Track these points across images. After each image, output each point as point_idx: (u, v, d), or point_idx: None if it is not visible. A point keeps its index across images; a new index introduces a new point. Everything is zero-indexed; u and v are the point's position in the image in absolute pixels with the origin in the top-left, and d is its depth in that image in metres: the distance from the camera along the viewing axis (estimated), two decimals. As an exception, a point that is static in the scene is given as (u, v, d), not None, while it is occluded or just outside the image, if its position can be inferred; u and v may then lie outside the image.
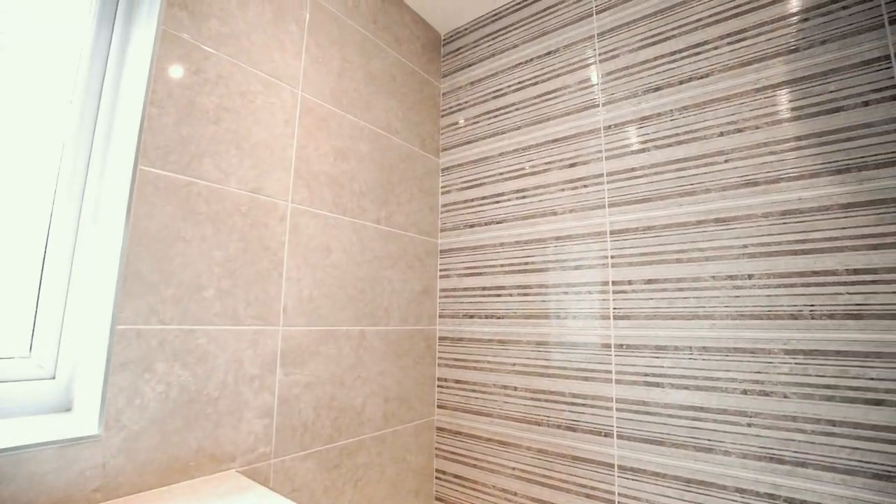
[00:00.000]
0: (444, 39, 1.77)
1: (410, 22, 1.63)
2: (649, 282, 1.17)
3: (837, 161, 0.99)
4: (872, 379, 0.91)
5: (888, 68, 0.96)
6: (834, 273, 0.97)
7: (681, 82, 1.20)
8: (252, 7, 1.12)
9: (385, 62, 1.50)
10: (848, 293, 0.95)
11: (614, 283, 1.22)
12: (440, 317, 1.56)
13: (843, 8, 1.02)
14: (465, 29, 1.70)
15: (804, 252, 1.00)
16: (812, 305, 0.98)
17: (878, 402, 0.90)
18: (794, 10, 1.08)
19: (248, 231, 1.06)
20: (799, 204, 1.02)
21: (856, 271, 0.95)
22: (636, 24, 1.30)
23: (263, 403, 1.05)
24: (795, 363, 0.99)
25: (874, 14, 0.99)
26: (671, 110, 1.20)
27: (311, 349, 1.16)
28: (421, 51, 1.67)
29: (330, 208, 1.25)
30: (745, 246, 1.07)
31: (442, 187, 1.64)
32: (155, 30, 0.93)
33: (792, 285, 1.01)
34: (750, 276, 1.05)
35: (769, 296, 1.03)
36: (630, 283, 1.20)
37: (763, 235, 1.05)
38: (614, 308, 1.21)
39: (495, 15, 1.61)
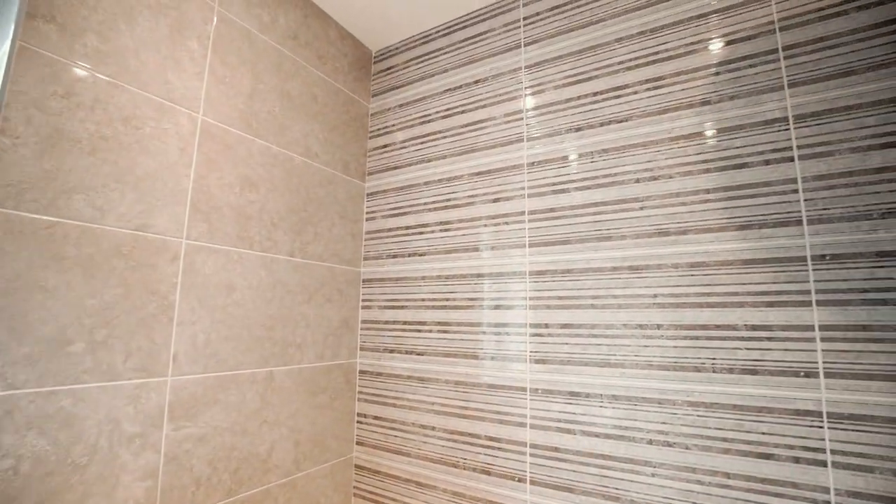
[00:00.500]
0: (375, 57, 1.69)
1: (337, 38, 1.55)
2: (565, 326, 1.16)
3: (741, 217, 1.01)
4: (764, 433, 0.94)
5: (786, 129, 0.99)
6: (734, 328, 0.99)
7: (601, 124, 1.19)
8: (142, 21, 1.01)
9: (305, 81, 1.41)
10: (746, 348, 0.97)
11: (532, 325, 1.21)
12: (361, 349, 1.49)
13: (750, 66, 1.04)
14: (397, 48, 1.63)
15: (709, 305, 1.02)
16: (714, 359, 1.00)
17: (767, 456, 0.93)
18: (707, 63, 1.09)
19: (130, 274, 0.95)
20: (705, 257, 1.03)
21: (754, 327, 0.97)
22: (562, 60, 1.28)
23: (146, 464, 0.95)
24: (697, 415, 1.00)
25: (776, 76, 1.01)
26: (592, 152, 1.19)
27: (207, 398, 1.07)
28: (348, 68, 1.59)
29: (234, 243, 1.15)
30: (655, 296, 1.07)
31: (367, 213, 1.57)
32: (9, 46, 0.81)
33: (697, 338, 1.02)
34: (659, 327, 1.06)
35: (676, 347, 1.04)
36: (547, 326, 1.19)
37: (672, 286, 1.06)
38: (531, 351, 1.20)
39: (425, 37, 1.56)
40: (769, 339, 0.96)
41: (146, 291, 0.97)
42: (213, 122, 1.13)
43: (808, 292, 0.94)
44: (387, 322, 1.45)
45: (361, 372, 1.48)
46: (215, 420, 1.08)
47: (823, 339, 0.91)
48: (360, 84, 1.64)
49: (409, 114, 1.54)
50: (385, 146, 1.58)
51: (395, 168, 1.53)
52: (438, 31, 1.53)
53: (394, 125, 1.57)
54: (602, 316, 1.12)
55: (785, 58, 1.01)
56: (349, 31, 1.60)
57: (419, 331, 1.38)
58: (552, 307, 1.19)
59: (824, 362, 0.91)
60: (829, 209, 0.94)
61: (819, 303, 0.93)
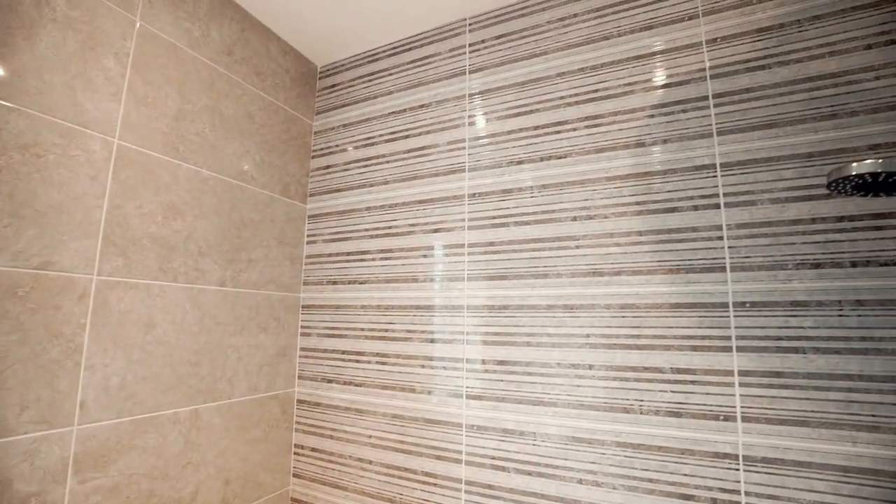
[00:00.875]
0: (320, 72, 1.63)
1: (278, 53, 1.48)
2: (501, 363, 1.16)
3: (670, 261, 1.03)
4: (685, 475, 0.96)
5: (714, 176, 1.01)
6: (661, 371, 1.01)
7: (542, 159, 1.19)
8: (46, 37, 0.92)
9: (241, 100, 1.34)
10: (671, 391, 1.00)
11: (468, 360, 1.20)
12: (300, 378, 1.44)
13: (683, 111, 1.06)
14: (343, 65, 1.58)
15: (638, 347, 1.03)
16: (641, 401, 1.02)
17: (688, 497, 0.95)
18: (643, 104, 1.11)
19: (27, 318, 0.87)
20: (636, 299, 1.05)
21: (679, 370, 0.99)
22: (505, 90, 1.27)
23: (45, 523, 0.88)
24: (625, 456, 1.01)
25: (706, 122, 1.04)
26: (532, 187, 1.19)
27: (121, 444, 1.00)
28: (290, 84, 1.52)
29: (155, 276, 1.08)
30: (588, 336, 1.08)
31: (308, 236, 1.52)
32: None
33: (626, 379, 1.03)
34: (591, 367, 1.07)
35: (606, 388, 1.05)
36: (483, 362, 1.18)
37: (604, 327, 1.07)
38: (467, 387, 1.19)
39: (373, 55, 1.51)
40: (692, 382, 0.98)
41: (48, 335, 0.90)
42: (132, 146, 1.05)
43: (728, 338, 0.96)
44: (326, 351, 1.41)
45: (299, 401, 1.43)
46: (131, 467, 1.02)
47: (741, 385, 0.94)
48: (304, 101, 1.58)
49: (353, 135, 1.49)
50: (328, 167, 1.52)
51: (338, 191, 1.48)
52: (385, 51, 1.49)
53: (337, 145, 1.52)
54: (537, 354, 1.12)
55: (714, 105, 1.04)
56: (292, 45, 1.53)
57: (358, 361, 1.35)
58: (489, 343, 1.18)
59: (742, 407, 0.94)
60: (750, 257, 0.97)
61: (739, 349, 0.95)
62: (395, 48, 1.47)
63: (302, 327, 1.47)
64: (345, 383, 1.36)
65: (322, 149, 1.55)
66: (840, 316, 0.90)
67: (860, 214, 0.90)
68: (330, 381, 1.39)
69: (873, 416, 0.85)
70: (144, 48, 1.09)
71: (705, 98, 1.05)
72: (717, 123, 1.03)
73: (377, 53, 1.50)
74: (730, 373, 0.95)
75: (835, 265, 0.91)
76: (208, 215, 1.22)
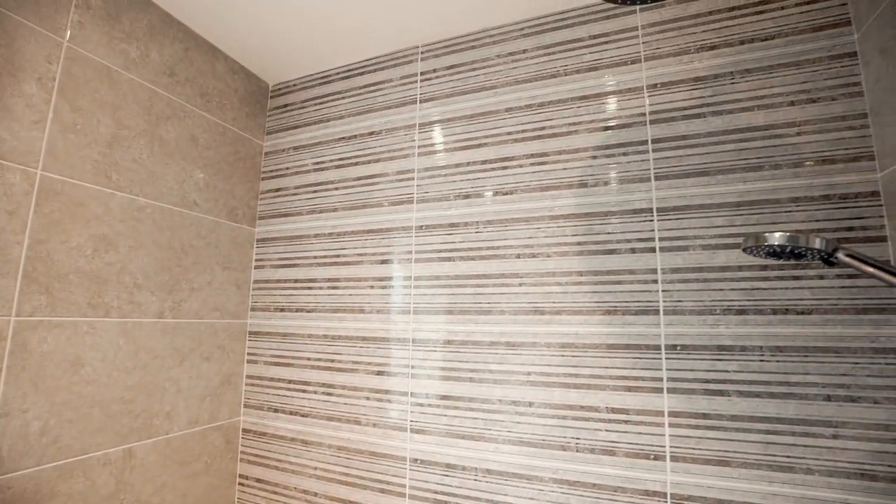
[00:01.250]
0: (272, 91, 1.59)
1: (226, 72, 1.43)
2: (444, 397, 1.16)
3: (607, 302, 1.05)
4: (618, 513, 0.99)
5: (650, 220, 1.04)
6: (597, 410, 1.03)
7: (488, 194, 1.20)
8: (-42, 66, 0.86)
9: (184, 123, 1.29)
10: (606, 430, 1.02)
11: (413, 394, 1.20)
12: (245, 406, 1.41)
13: (623, 154, 1.09)
14: (295, 85, 1.54)
15: (576, 386, 1.06)
16: (578, 439, 1.04)
17: (620, 535, 0.98)
18: (586, 145, 1.13)
19: (-67, 367, 0.82)
20: (575, 339, 1.07)
21: (613, 410, 1.02)
22: (455, 122, 1.27)
23: (-46, 581, 0.84)
24: (561, 492, 1.04)
25: (645, 167, 1.06)
26: (478, 222, 1.20)
27: (41, 493, 0.96)
28: (239, 104, 1.48)
29: (83, 312, 1.04)
30: (528, 373, 1.10)
31: (256, 261, 1.48)
32: None
33: (564, 417, 1.06)
34: (531, 404, 1.09)
35: (545, 425, 1.07)
36: (427, 396, 1.18)
37: (544, 365, 1.09)
38: (411, 421, 1.19)
39: (325, 77, 1.48)
40: (626, 422, 1.01)
41: (-43, 383, 0.85)
42: (58, 177, 1.00)
43: (660, 380, 1.00)
44: (272, 379, 1.38)
45: (245, 431, 1.40)
46: (53, 514, 0.97)
47: (671, 425, 0.98)
48: (254, 120, 1.53)
49: (304, 158, 1.46)
50: (278, 190, 1.49)
51: (287, 215, 1.45)
52: (338, 73, 1.46)
53: (288, 168, 1.49)
54: (479, 390, 1.13)
55: (653, 150, 1.07)
56: (242, 63, 1.49)
57: (304, 391, 1.33)
58: (433, 377, 1.18)
59: (671, 446, 0.97)
60: (682, 302, 1.00)
61: (669, 390, 0.99)
62: (348, 71, 1.45)
63: (249, 354, 1.44)
64: (291, 413, 1.34)
65: (272, 171, 1.51)
66: (761, 361, 0.94)
67: (780, 265, 0.95)
68: (276, 411, 1.36)
69: (787, 457, 0.90)
70: (73, 72, 1.04)
71: (645, 143, 1.08)
72: (654, 168, 1.06)
73: (330, 75, 1.47)
74: (660, 413, 0.99)
75: (758, 312, 0.95)
76: (145, 245, 1.17)
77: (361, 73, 1.42)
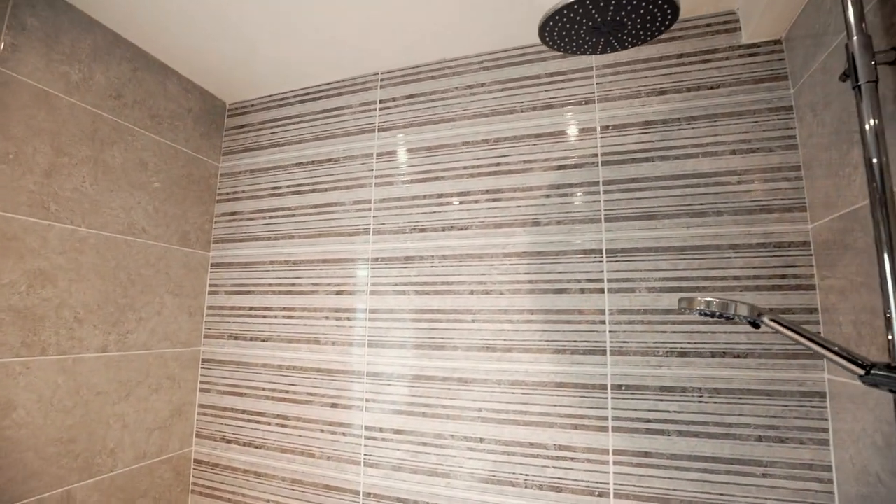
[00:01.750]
0: (229, 109, 1.55)
1: (179, 92, 1.39)
2: (398, 432, 1.17)
3: (557, 341, 1.08)
4: (563, 548, 1.02)
5: (600, 262, 1.07)
6: (545, 447, 1.05)
7: (444, 228, 1.20)
8: None
9: (132, 147, 1.24)
10: (553, 467, 1.04)
11: (367, 427, 1.19)
12: (198, 436, 1.38)
13: (576, 194, 1.11)
14: (253, 105, 1.51)
15: (525, 423, 1.07)
16: (527, 475, 1.06)
17: (565, 569, 1.01)
18: (539, 183, 1.14)
19: None
20: (525, 376, 1.09)
21: (561, 447, 1.04)
22: (413, 153, 1.27)
23: None
24: (509, 527, 1.06)
25: (595, 208, 1.08)
26: (433, 256, 1.20)
27: (-30, 542, 0.92)
28: (193, 124, 1.43)
29: (16, 352, 0.99)
30: (480, 410, 1.11)
31: (210, 286, 1.45)
32: None
33: (513, 454, 1.07)
34: (482, 440, 1.10)
35: (495, 461, 1.08)
36: (381, 430, 1.18)
37: (495, 402, 1.10)
38: (365, 454, 1.19)
39: (283, 99, 1.45)
40: (573, 459, 1.03)
41: None
42: (-11, 211, 0.95)
43: (606, 419, 1.02)
44: (225, 409, 1.36)
45: (197, 462, 1.37)
46: (-17, 564, 0.93)
47: (615, 463, 1.01)
48: (209, 140, 1.49)
49: (261, 182, 1.43)
50: (233, 214, 1.46)
51: (242, 241, 1.42)
52: (297, 96, 1.43)
53: (244, 192, 1.45)
54: (432, 425, 1.14)
55: (604, 192, 1.09)
56: (196, 82, 1.44)
57: (258, 422, 1.31)
58: (387, 411, 1.18)
59: (614, 484, 1.00)
60: (627, 342, 1.03)
61: (614, 429, 1.02)
62: (306, 94, 1.42)
63: (201, 383, 1.41)
64: (245, 444, 1.32)
65: (228, 193, 1.48)
66: (700, 402, 0.97)
67: (720, 310, 0.98)
68: (229, 442, 1.34)
69: (721, 495, 0.94)
70: (5, 98, 0.99)
71: (596, 184, 1.10)
72: (605, 210, 1.08)
73: (288, 97, 1.45)
74: (605, 451, 1.02)
75: (698, 355, 0.99)
76: (87, 278, 1.13)
77: (320, 98, 1.39)
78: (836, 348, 0.62)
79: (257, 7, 1.09)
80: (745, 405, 0.95)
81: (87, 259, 1.13)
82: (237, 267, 1.41)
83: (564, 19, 0.73)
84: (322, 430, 1.24)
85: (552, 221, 1.12)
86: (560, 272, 1.09)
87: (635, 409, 1.01)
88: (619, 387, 1.02)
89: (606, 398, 1.03)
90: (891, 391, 0.56)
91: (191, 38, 1.23)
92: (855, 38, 0.64)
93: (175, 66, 1.37)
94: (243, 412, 1.33)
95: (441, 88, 1.27)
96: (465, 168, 1.21)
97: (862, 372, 0.59)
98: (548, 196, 1.13)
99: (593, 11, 0.72)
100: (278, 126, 1.43)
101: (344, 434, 1.21)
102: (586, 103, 1.14)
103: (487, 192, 1.18)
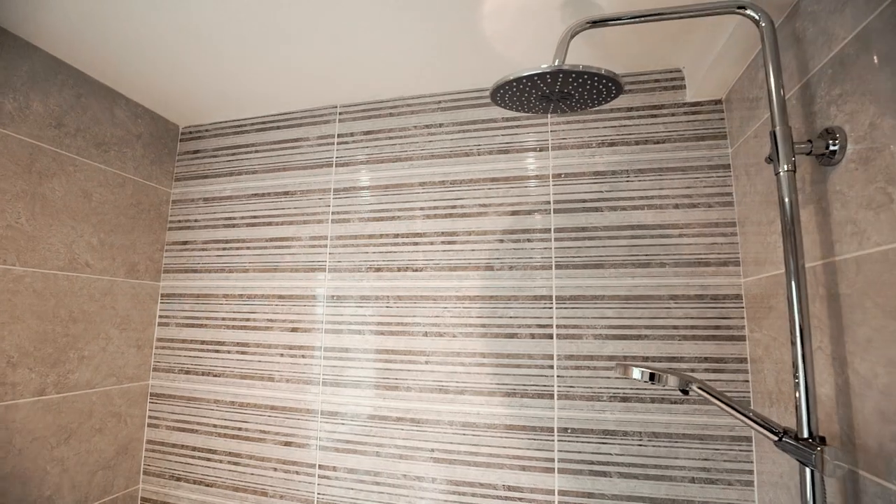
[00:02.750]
0: (182, 133, 1.50)
1: (127, 117, 1.33)
2: (351, 471, 1.17)
3: (507, 384, 1.10)
4: (509, 586, 1.05)
5: (550, 308, 1.10)
6: (494, 487, 1.08)
7: (399, 269, 1.21)
8: None
9: (74, 178, 1.19)
10: (501, 507, 1.08)
11: (321, 466, 1.20)
12: (145, 474, 1.35)
13: (528, 241, 1.13)
14: (207, 130, 1.46)
15: (476, 464, 1.10)
16: (475, 515, 1.09)
17: None
18: (493, 228, 1.16)
19: None
20: (477, 418, 1.11)
21: (509, 488, 1.08)
22: (370, 191, 1.26)
23: None
24: (458, 566, 1.08)
25: (547, 255, 1.12)
26: (388, 297, 1.20)
27: None
28: (143, 150, 1.38)
29: (-57, 404, 0.94)
30: (432, 450, 1.13)
31: (160, 317, 1.41)
32: None
33: (463, 493, 1.10)
34: (434, 480, 1.12)
35: (446, 501, 1.11)
36: (335, 469, 1.18)
37: (447, 443, 1.12)
38: (319, 493, 1.19)
39: (239, 126, 1.42)
40: (520, 499, 1.07)
41: None
42: (-89, 257, 0.90)
43: (552, 460, 1.06)
44: (175, 445, 1.33)
45: (144, 500, 1.34)
46: None
47: (559, 503, 1.05)
48: (160, 167, 1.44)
49: (214, 212, 1.40)
50: (185, 243, 1.42)
51: (194, 271, 1.39)
52: (254, 124, 1.40)
53: (196, 220, 1.41)
54: (385, 464, 1.15)
55: (555, 239, 1.12)
56: (147, 106, 1.39)
57: (209, 459, 1.29)
58: (340, 450, 1.19)
59: (559, 523, 1.04)
60: (573, 387, 1.07)
61: (560, 470, 1.06)
62: (264, 123, 1.39)
63: (150, 418, 1.37)
64: (195, 482, 1.29)
65: (180, 221, 1.43)
66: (640, 445, 1.02)
67: (660, 356, 1.03)
68: (179, 479, 1.31)
69: (658, 535, 0.99)
70: (-69, 136, 0.93)
71: (548, 230, 1.13)
72: (556, 257, 1.11)
73: (244, 125, 1.41)
74: (551, 492, 1.05)
75: (638, 400, 1.03)
76: (23, 318, 1.08)
77: (278, 127, 1.37)
78: (752, 415, 0.67)
79: (214, 32, 1.06)
80: (681, 448, 1.00)
81: (22, 300, 1.08)
82: (189, 298, 1.37)
83: (514, 88, 0.75)
84: (275, 469, 1.23)
85: (505, 266, 1.14)
86: (511, 317, 1.12)
87: (580, 452, 1.05)
88: (566, 430, 1.06)
89: (553, 441, 1.06)
90: (798, 461, 0.61)
91: (139, 63, 1.18)
92: (778, 128, 0.69)
93: (123, 91, 1.31)
94: (194, 448, 1.31)
95: (399, 126, 1.27)
96: (421, 209, 1.22)
97: (775, 438, 0.64)
98: (501, 241, 1.15)
99: (541, 84, 0.74)
100: (233, 154, 1.40)
101: (297, 472, 1.21)
102: (540, 150, 1.16)
103: (443, 234, 1.19)
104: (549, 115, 1.17)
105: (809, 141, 0.69)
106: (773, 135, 0.69)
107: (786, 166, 0.67)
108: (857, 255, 0.62)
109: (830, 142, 0.67)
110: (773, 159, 0.70)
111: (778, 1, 0.77)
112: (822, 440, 0.61)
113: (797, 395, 0.64)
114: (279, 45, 1.06)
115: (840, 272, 0.65)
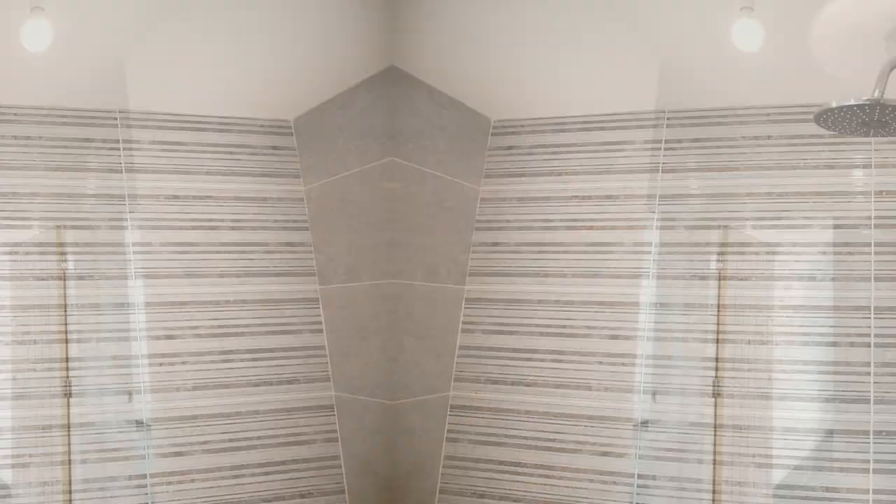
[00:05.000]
0: (493, 128, 1.33)
1: (430, 108, 1.10)
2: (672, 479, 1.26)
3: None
4: None
5: (867, 318, 1.25)
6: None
7: (722, 277, 1.25)
8: None
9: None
10: None
11: (639, 476, 1.25)
12: (441, 493, 1.30)
13: (850, 254, 1.24)
14: (522, 125, 1.31)
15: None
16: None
17: None
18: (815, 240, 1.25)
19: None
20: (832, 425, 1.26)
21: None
22: (696, 199, 1.27)
23: None
24: None
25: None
26: (711, 304, 1.25)
27: None
28: (447, 144, 1.16)
29: None
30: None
31: (464, 324, 1.32)
32: None
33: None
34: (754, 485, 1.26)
35: None
36: (654, 478, 1.24)
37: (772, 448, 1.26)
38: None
39: (559, 124, 1.29)
40: None
41: None
42: None
43: None
44: (479, 460, 1.30)
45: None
46: None
47: None
48: (468, 161, 1.21)
49: (530, 212, 1.31)
50: (495, 244, 1.32)
51: (506, 275, 1.31)
52: (576, 123, 1.26)
53: (509, 221, 1.32)
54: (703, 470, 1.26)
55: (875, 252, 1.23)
56: (453, 96, 1.13)
57: (516, 472, 1.29)
58: (661, 459, 1.25)
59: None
60: None
61: None
62: (586, 122, 1.29)
63: (449, 431, 1.28)
64: (499, 498, 1.28)
65: (490, 221, 1.31)
66: None
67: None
68: (482, 495, 1.29)
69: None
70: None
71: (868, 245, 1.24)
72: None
73: (566, 123, 1.28)
74: None
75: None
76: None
77: (602, 129, 1.26)
78: None
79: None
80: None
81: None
82: (499, 304, 1.28)
83: (835, 115, 0.83)
84: (591, 480, 1.26)
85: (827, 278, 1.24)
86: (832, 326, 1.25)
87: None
88: None
89: None
90: None
91: (451, 52, 0.97)
92: None
93: (427, 80, 1.07)
94: (500, 462, 1.28)
95: (727, 136, 1.24)
96: (747, 219, 1.24)
97: None
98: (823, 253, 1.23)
99: (860, 113, 0.82)
100: (553, 153, 1.26)
101: (615, 483, 1.26)
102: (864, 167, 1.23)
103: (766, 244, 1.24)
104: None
105: None
106: None
107: None
108: None
109: None
110: None
111: None
112: None
113: None
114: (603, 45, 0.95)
115: None
